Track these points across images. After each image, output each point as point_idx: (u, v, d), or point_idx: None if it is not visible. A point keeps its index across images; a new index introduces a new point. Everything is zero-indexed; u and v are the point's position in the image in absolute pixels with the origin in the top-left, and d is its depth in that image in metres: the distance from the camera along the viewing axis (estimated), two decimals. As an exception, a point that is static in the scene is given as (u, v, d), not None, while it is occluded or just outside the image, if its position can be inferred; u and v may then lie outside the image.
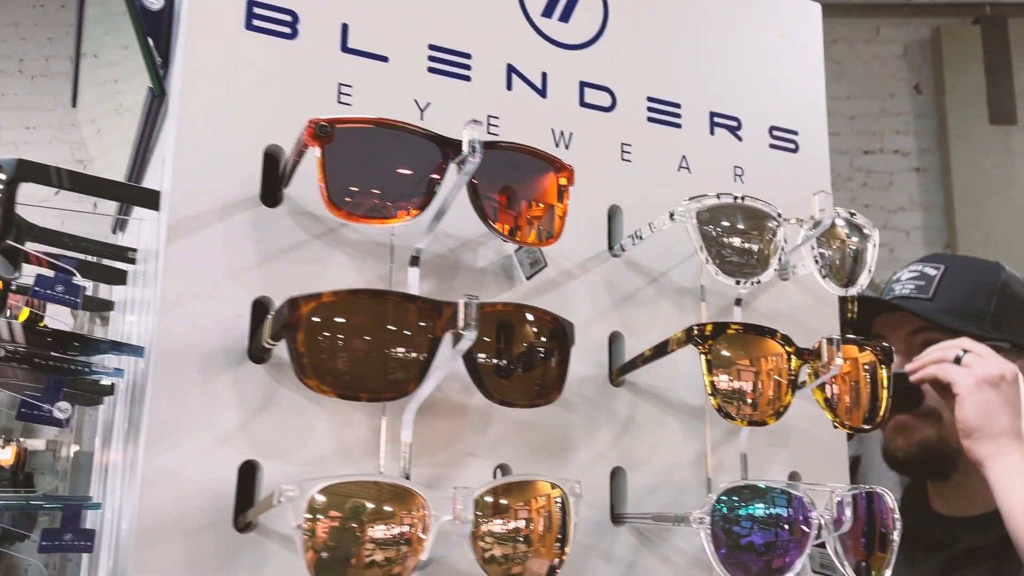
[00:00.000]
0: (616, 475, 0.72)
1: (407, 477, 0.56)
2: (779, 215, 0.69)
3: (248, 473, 0.59)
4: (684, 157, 0.81)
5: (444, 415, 0.65)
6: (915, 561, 1.15)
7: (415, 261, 0.60)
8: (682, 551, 0.72)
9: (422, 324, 0.52)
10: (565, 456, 0.70)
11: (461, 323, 0.51)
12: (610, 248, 0.75)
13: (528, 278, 0.70)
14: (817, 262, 0.70)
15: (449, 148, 0.54)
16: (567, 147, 0.75)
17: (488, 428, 0.67)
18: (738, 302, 0.75)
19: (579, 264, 0.74)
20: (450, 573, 0.60)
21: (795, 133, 0.87)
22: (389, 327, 0.51)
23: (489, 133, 0.72)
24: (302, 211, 0.62)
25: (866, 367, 0.69)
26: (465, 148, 0.53)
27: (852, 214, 0.73)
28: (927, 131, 4.31)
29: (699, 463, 0.75)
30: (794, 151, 0.86)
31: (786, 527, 0.62)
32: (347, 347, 0.50)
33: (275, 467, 0.59)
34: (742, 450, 0.72)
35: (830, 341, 0.64)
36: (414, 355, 0.51)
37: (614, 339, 0.74)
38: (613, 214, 0.77)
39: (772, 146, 0.85)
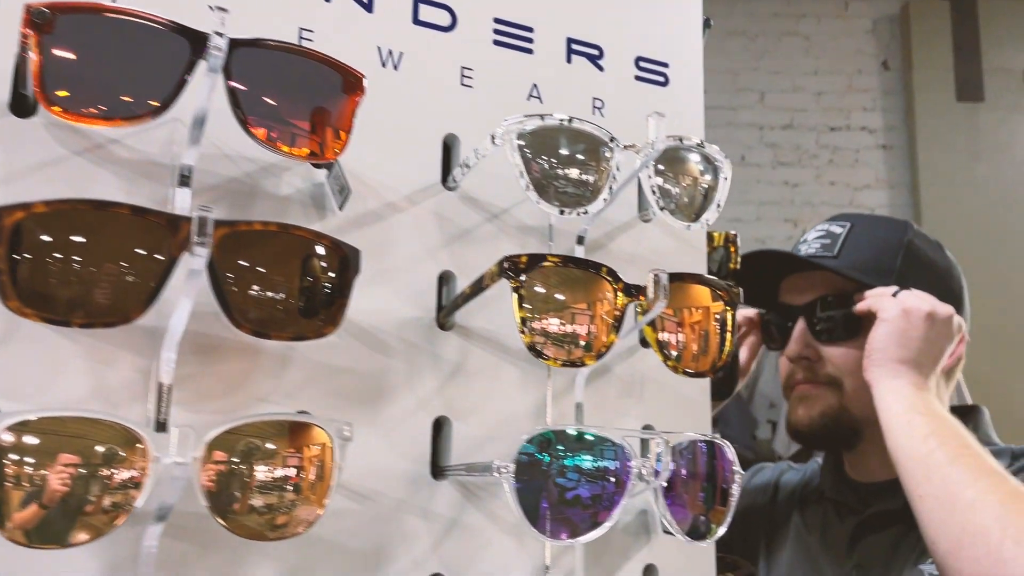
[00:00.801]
0: (440, 426, 0.66)
1: (162, 423, 0.50)
2: (612, 140, 0.63)
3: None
4: (535, 86, 0.74)
5: (232, 357, 0.58)
6: (829, 526, 1.11)
7: (184, 180, 0.54)
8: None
9: (154, 241, 0.45)
10: (379, 404, 0.63)
11: (194, 239, 0.44)
12: (444, 181, 0.69)
13: (340, 208, 0.63)
14: (654, 193, 0.63)
15: (194, 41, 0.47)
16: (396, 68, 0.68)
17: (285, 372, 0.60)
18: (580, 240, 0.68)
19: (406, 196, 0.67)
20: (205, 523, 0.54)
21: (665, 66, 0.80)
22: (112, 243, 0.45)
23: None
24: (61, 124, 0.56)
25: (710, 310, 0.64)
26: (210, 41, 0.47)
27: (701, 144, 0.67)
28: (894, 108, 4.26)
29: (539, 414, 0.69)
30: (663, 85, 0.80)
31: (600, 477, 0.56)
32: (58, 264, 0.44)
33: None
34: (577, 399, 0.66)
35: (657, 277, 0.58)
36: (141, 276, 0.45)
37: (446, 280, 0.68)
38: (451, 144, 0.71)
39: (638, 78, 0.79)
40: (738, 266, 0.91)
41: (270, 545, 0.57)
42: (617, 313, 0.59)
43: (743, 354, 1.15)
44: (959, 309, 1.10)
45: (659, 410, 0.74)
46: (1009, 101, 4.07)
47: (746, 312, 1.15)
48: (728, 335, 0.64)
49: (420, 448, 0.64)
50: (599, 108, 0.76)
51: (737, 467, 0.63)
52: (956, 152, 4.02)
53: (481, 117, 0.71)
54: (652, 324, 0.61)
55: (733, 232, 0.92)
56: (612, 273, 0.59)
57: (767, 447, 3.65)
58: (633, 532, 0.71)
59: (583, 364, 0.58)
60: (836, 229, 1.11)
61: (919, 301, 0.98)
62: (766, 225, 4.17)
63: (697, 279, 0.63)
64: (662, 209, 0.63)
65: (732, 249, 0.91)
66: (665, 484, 0.59)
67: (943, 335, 0.99)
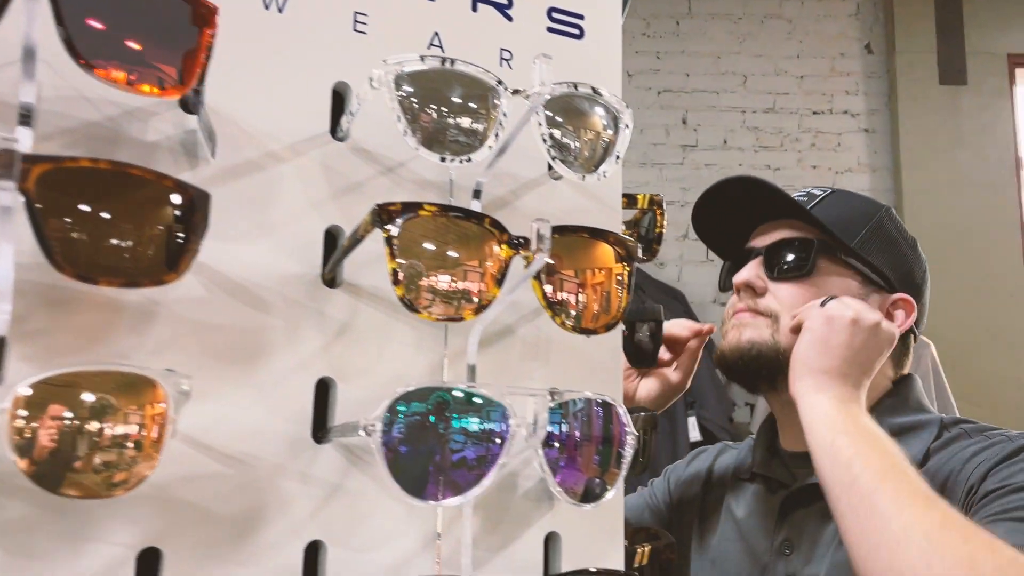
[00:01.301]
0: (324, 387, 0.63)
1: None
2: (500, 84, 0.59)
3: None
4: (436, 34, 0.70)
5: (88, 310, 0.55)
6: (759, 503, 1.09)
7: (25, 120, 0.50)
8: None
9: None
10: (256, 363, 0.60)
11: None
12: (333, 131, 0.66)
13: (212, 155, 0.60)
14: (546, 142, 0.60)
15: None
16: (280, 11, 0.65)
17: (150, 328, 0.57)
18: (476, 195, 0.65)
19: (290, 146, 0.64)
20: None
21: (580, 17, 0.77)
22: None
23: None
24: None
25: (604, 264, 0.60)
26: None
27: (596, 91, 0.63)
28: (877, 92, 4.23)
29: (434, 375, 0.66)
30: (578, 38, 0.77)
31: (476, 437, 0.53)
32: None
33: None
34: (470, 361, 0.63)
35: (538, 228, 0.55)
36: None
37: (335, 235, 0.65)
38: (343, 92, 0.67)
39: (551, 30, 0.75)
40: (663, 230, 0.89)
41: (132, 509, 0.54)
42: (501, 266, 0.55)
43: (683, 365, 1.13)
44: (918, 299, 1.10)
45: (567, 374, 0.71)
46: (992, 85, 4.04)
47: (695, 325, 1.14)
48: (625, 291, 0.61)
49: (300, 410, 0.61)
50: (507, 60, 0.73)
51: (631, 428, 0.60)
52: (938, 136, 3.99)
53: (376, 65, 0.67)
54: (539, 278, 0.57)
55: (658, 195, 0.89)
56: (496, 224, 0.56)
57: (745, 430, 3.64)
58: (534, 498, 0.68)
59: (461, 318, 0.55)
60: (817, 192, 1.12)
61: (842, 308, 0.96)
62: (747, 209, 4.14)
63: (588, 232, 0.60)
64: (554, 159, 0.60)
65: (658, 212, 0.88)
66: (554, 445, 0.56)
67: (870, 342, 0.95)
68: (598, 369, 0.73)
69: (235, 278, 0.60)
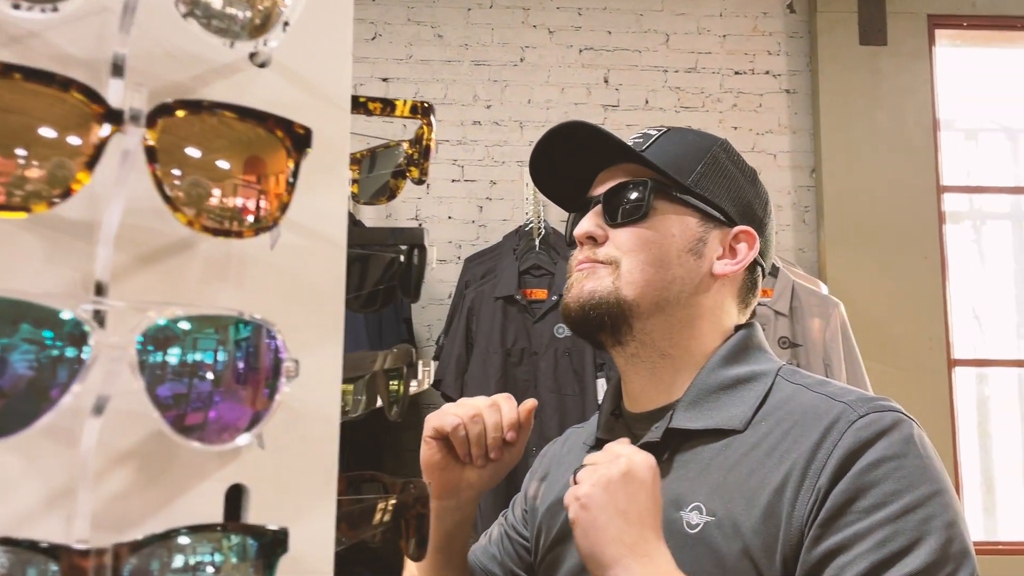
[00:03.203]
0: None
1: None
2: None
3: None
4: None
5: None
6: None
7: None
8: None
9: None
10: None
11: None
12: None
13: None
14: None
15: None
16: None
17: None
18: (117, 71, 0.53)
19: None
20: None
21: None
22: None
23: None
24: None
25: (253, 151, 0.49)
26: None
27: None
28: (799, 52, 4.18)
29: (75, 297, 0.54)
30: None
31: (30, 359, 0.41)
32: None
33: None
34: (99, 276, 0.51)
35: (133, 101, 0.43)
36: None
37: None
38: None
39: None
40: (432, 143, 0.78)
41: None
42: (93, 145, 0.43)
43: (521, 442, 1.07)
44: (760, 231, 1.07)
45: (269, 301, 0.60)
46: (912, 46, 4.02)
47: (527, 404, 1.07)
48: (286, 188, 0.49)
49: None
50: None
51: (284, 353, 0.49)
52: (857, 97, 3.96)
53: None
54: (155, 161, 0.46)
55: (426, 102, 0.78)
56: (88, 91, 0.44)
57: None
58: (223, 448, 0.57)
59: (26, 210, 0.43)
60: (652, 132, 1.08)
61: (594, 475, 0.86)
62: (668, 171, 4.08)
63: (233, 111, 0.48)
64: (185, 16, 0.48)
65: (425, 123, 0.77)
66: (165, 374, 0.44)
67: (644, 491, 0.85)
68: (311, 296, 0.61)
69: None
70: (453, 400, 3.16)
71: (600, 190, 1.06)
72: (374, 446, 3.42)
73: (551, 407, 3.10)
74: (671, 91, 4.16)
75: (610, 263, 1.02)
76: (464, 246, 3.91)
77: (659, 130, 1.09)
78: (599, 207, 1.05)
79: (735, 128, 4.11)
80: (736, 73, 4.17)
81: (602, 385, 3.13)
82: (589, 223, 1.05)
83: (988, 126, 4.19)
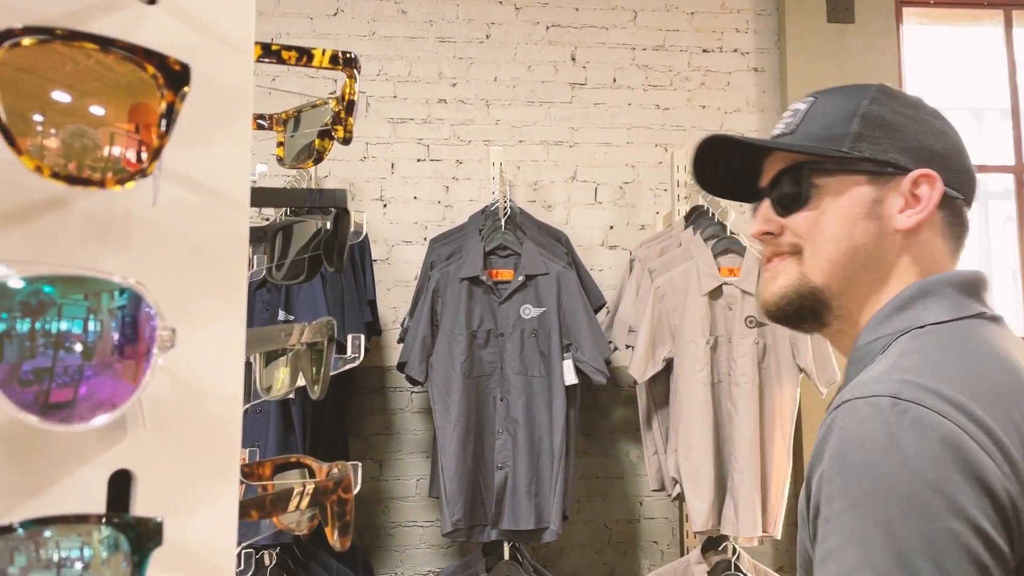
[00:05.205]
0: None
1: None
2: None
3: None
4: None
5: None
6: None
7: None
8: None
9: None
10: None
11: None
12: None
13: None
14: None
15: None
16: None
17: None
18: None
19: None
20: None
21: None
22: None
23: None
24: None
25: (126, 91, 0.43)
26: None
27: None
28: (767, 30, 4.15)
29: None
30: None
31: None
32: None
33: None
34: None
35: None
36: None
37: None
38: None
39: None
40: (355, 98, 0.72)
41: None
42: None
43: None
44: (944, 167, 0.98)
45: (158, 266, 0.54)
46: (879, 24, 4.00)
47: None
48: (159, 131, 0.43)
49: None
50: None
51: (156, 321, 0.43)
52: (825, 75, 3.93)
53: None
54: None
55: (348, 52, 0.72)
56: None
57: (624, 374, 3.56)
58: (97, 428, 0.51)
59: None
60: (801, 106, 1.05)
61: None
62: (636, 150, 4.03)
63: (92, 40, 0.42)
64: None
65: (348, 76, 0.71)
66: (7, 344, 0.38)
67: None
68: (208, 261, 0.56)
69: None
70: (419, 383, 3.10)
71: (764, 182, 1.05)
72: (339, 432, 3.35)
73: (517, 389, 3.06)
74: (639, 69, 4.11)
75: (794, 252, 1.01)
76: (430, 227, 3.84)
77: (808, 101, 1.05)
78: (766, 203, 1.04)
79: (703, 107, 4.08)
80: (704, 51, 4.13)
81: (568, 367, 3.09)
82: (760, 221, 1.04)
83: (954, 106, 4.19)
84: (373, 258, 3.53)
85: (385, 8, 4.00)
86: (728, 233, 3.04)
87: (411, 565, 3.69)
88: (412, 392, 3.71)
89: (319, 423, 3.09)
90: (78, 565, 0.43)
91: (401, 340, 3.26)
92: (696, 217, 3.24)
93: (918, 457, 0.74)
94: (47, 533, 0.41)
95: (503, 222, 3.24)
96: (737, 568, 2.86)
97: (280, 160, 0.80)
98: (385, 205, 3.90)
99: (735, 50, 4.12)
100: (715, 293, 2.95)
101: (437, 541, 3.68)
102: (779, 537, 2.91)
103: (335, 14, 3.98)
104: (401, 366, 3.12)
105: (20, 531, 0.38)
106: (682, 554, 3.28)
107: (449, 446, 2.98)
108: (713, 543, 2.95)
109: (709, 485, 2.80)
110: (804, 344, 2.93)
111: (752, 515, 2.76)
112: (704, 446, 2.82)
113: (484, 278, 3.11)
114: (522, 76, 4.02)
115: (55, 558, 0.42)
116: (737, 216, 3.18)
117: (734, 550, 2.90)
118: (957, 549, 0.71)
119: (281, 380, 0.73)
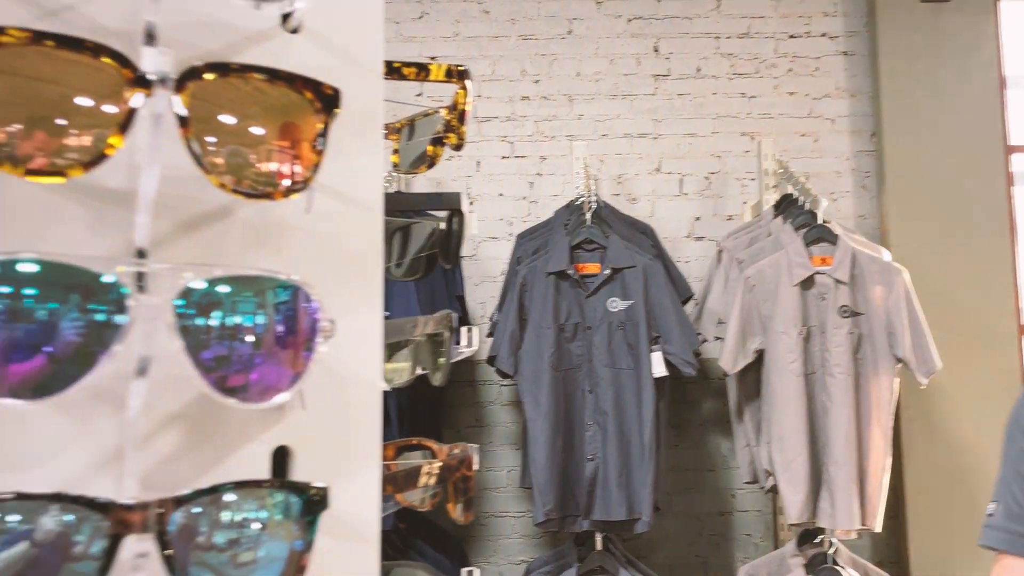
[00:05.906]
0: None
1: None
2: None
3: None
4: None
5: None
6: None
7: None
8: None
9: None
10: None
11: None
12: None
13: None
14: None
15: None
16: None
17: None
18: (149, 39, 0.53)
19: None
20: None
21: None
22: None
23: None
24: None
25: (291, 116, 0.49)
26: None
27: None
28: (856, 12, 4.04)
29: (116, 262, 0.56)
30: None
31: (70, 318, 0.42)
32: None
33: None
34: (139, 243, 0.52)
35: (159, 62, 0.43)
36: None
37: (-14, 95, 0.54)
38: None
39: None
40: (468, 106, 0.77)
41: None
42: (126, 110, 0.44)
43: None
44: None
45: (307, 266, 0.60)
46: (976, 1, 3.84)
47: None
48: (316, 149, 0.49)
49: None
50: None
51: (321, 316, 0.50)
52: (919, 57, 3.81)
53: None
54: (186, 125, 0.46)
55: (461, 65, 0.77)
56: (117, 55, 0.44)
57: (714, 365, 3.54)
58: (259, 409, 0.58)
59: (62, 175, 0.44)
60: None
61: None
62: (722, 139, 4.00)
63: (263, 72, 0.48)
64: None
65: (460, 87, 0.76)
66: (205, 335, 0.45)
67: None
68: (349, 260, 0.62)
69: None
70: (509, 376, 3.16)
71: None
72: (434, 425, 3.45)
73: (606, 381, 3.09)
74: (723, 58, 4.06)
75: None
76: (515, 223, 3.90)
77: None
78: None
79: (791, 94, 4.00)
80: (791, 37, 4.04)
81: (657, 359, 3.10)
82: None
83: (1061, 81, 3.99)
84: (461, 254, 3.61)
85: (469, 9, 4.08)
86: (820, 222, 2.99)
87: (504, 555, 3.77)
88: (501, 385, 3.79)
89: (415, 416, 3.19)
90: (255, 526, 0.49)
91: (490, 334, 3.33)
92: (786, 206, 3.20)
93: None
94: (233, 496, 0.47)
95: (588, 216, 3.26)
96: (835, 561, 2.83)
97: (395, 166, 0.86)
98: (471, 202, 3.98)
99: (823, 34, 4.03)
100: (807, 283, 2.91)
101: (529, 531, 3.75)
102: (878, 530, 2.85)
103: (420, 17, 4.08)
104: (491, 359, 3.18)
105: (222, 494, 0.44)
106: (775, 547, 3.25)
107: (539, 437, 3.03)
108: (809, 536, 2.92)
109: (804, 477, 2.77)
110: (902, 333, 2.86)
111: (849, 508, 2.72)
112: (798, 437, 2.79)
113: (571, 272, 3.15)
114: (605, 70, 4.04)
115: (238, 519, 0.48)
116: (829, 205, 3.13)
117: (831, 543, 2.86)
118: None
119: (401, 370, 0.79)
